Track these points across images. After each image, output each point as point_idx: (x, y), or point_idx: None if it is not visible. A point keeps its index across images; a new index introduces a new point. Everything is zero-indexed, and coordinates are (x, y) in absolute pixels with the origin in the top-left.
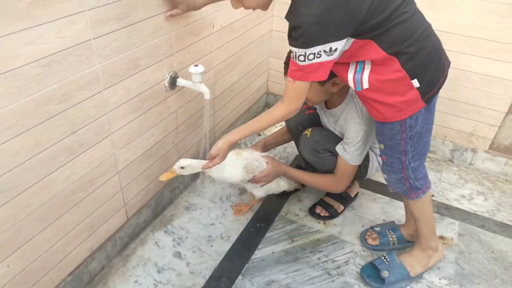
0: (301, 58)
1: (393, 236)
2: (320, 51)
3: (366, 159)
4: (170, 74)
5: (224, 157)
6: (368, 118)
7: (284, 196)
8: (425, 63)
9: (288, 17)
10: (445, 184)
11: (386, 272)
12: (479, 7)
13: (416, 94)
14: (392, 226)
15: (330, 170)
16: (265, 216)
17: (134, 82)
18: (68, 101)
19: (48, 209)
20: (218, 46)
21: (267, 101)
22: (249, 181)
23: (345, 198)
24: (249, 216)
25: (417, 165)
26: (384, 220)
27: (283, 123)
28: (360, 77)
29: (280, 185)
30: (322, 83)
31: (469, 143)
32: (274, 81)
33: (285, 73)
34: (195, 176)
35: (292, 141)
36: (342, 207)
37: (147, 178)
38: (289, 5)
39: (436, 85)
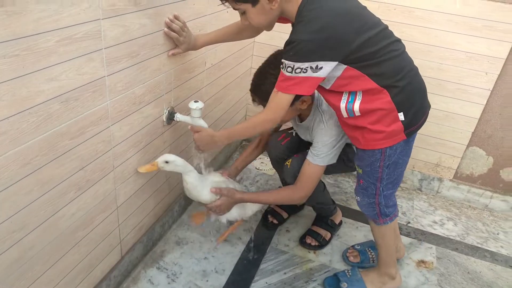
0: (289, 69)
1: (372, 253)
2: (307, 67)
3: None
4: (168, 110)
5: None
6: (332, 125)
7: (272, 227)
8: (412, 99)
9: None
10: (417, 211)
11: (345, 284)
12: (440, 53)
13: (400, 127)
14: (371, 244)
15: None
16: (256, 248)
17: (137, 117)
18: (80, 137)
19: (52, 249)
20: (208, 83)
21: None
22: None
23: (331, 226)
24: (241, 248)
25: (390, 193)
26: None
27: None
28: (351, 107)
29: (246, 208)
30: (291, 103)
31: (435, 173)
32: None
33: (253, 100)
34: (183, 209)
35: (273, 173)
36: (329, 235)
37: (142, 213)
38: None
39: (418, 122)
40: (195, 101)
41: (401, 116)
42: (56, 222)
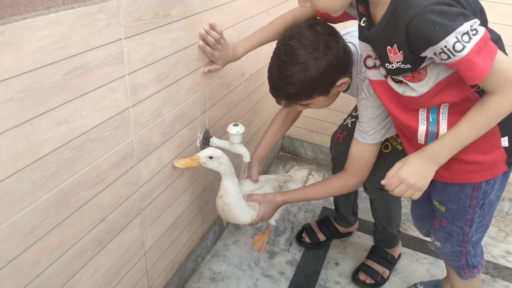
0: (465, 38)
1: None
2: (472, 26)
3: None
4: (202, 133)
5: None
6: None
7: (319, 259)
8: None
9: (385, 30)
10: (486, 238)
11: None
12: None
13: (502, 156)
14: (435, 283)
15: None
16: (302, 286)
17: (167, 148)
18: (99, 184)
19: None
20: (245, 96)
21: (282, 145)
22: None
23: (390, 261)
24: (284, 285)
25: (478, 238)
26: None
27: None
28: (435, 130)
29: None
30: (325, 92)
31: (506, 192)
32: None
33: (278, 102)
34: (217, 237)
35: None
36: (387, 272)
37: (173, 251)
38: None
39: None
40: (235, 124)
41: (504, 141)
42: None
